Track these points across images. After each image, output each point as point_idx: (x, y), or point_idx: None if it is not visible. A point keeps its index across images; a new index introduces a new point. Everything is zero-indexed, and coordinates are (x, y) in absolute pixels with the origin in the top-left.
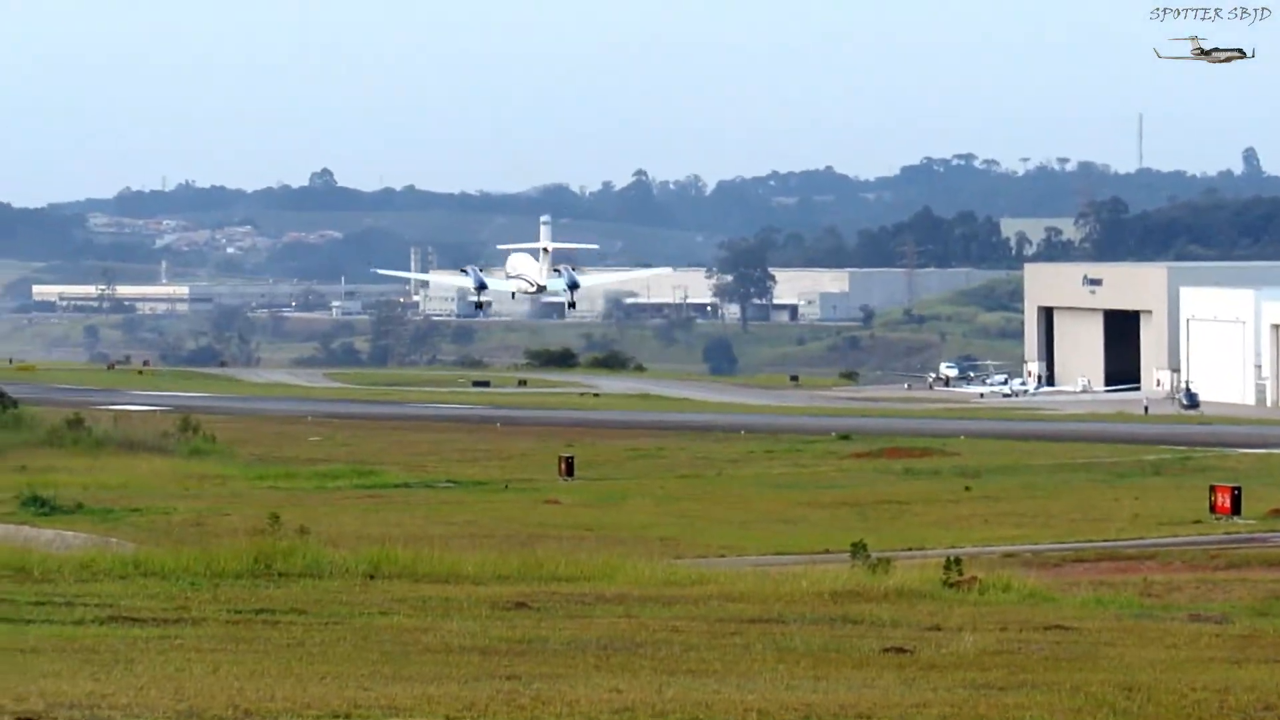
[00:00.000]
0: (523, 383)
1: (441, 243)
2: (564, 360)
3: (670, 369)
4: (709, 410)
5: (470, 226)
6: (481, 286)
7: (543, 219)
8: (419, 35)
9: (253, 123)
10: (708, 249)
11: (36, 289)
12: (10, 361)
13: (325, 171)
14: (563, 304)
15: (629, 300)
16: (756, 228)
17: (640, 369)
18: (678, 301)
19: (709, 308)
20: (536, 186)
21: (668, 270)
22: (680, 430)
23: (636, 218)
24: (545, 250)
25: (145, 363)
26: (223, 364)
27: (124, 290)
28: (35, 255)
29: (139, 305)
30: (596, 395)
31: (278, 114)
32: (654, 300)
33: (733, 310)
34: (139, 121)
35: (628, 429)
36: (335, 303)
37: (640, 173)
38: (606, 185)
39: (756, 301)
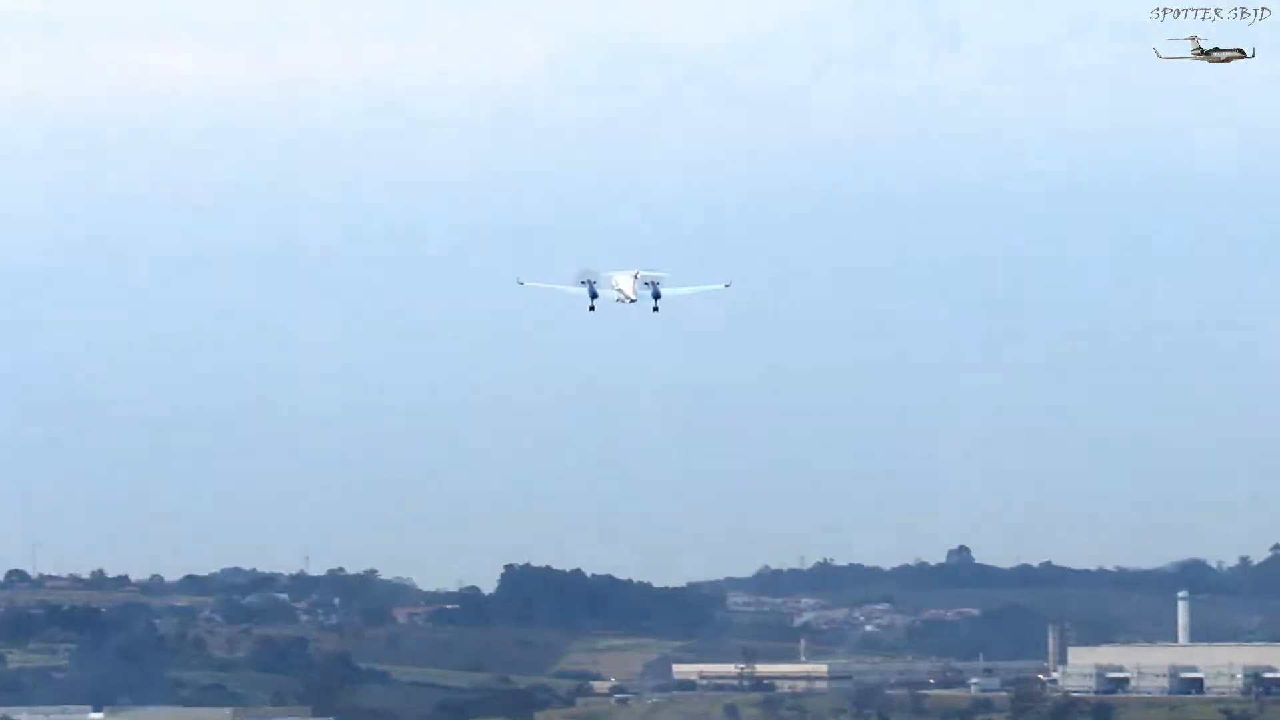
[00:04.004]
0: None
1: (1079, 619)
2: None
3: None
4: None
5: (1106, 603)
6: (594, 295)
7: (1180, 595)
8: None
9: (891, 499)
10: None
11: (676, 668)
12: None
13: (962, 549)
14: (1200, 679)
15: (1268, 675)
16: None
17: None
18: None
19: None
20: (1173, 561)
21: None
22: None
23: (1275, 592)
24: (636, 275)
25: None
26: None
27: (763, 668)
28: (675, 634)
29: (778, 683)
30: None
31: (910, 493)
32: None
33: None
34: (778, 502)
35: None
36: (973, 680)
37: (1277, 546)
38: (1244, 560)
39: None
